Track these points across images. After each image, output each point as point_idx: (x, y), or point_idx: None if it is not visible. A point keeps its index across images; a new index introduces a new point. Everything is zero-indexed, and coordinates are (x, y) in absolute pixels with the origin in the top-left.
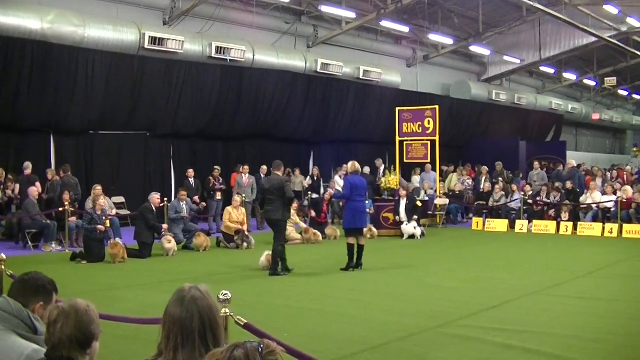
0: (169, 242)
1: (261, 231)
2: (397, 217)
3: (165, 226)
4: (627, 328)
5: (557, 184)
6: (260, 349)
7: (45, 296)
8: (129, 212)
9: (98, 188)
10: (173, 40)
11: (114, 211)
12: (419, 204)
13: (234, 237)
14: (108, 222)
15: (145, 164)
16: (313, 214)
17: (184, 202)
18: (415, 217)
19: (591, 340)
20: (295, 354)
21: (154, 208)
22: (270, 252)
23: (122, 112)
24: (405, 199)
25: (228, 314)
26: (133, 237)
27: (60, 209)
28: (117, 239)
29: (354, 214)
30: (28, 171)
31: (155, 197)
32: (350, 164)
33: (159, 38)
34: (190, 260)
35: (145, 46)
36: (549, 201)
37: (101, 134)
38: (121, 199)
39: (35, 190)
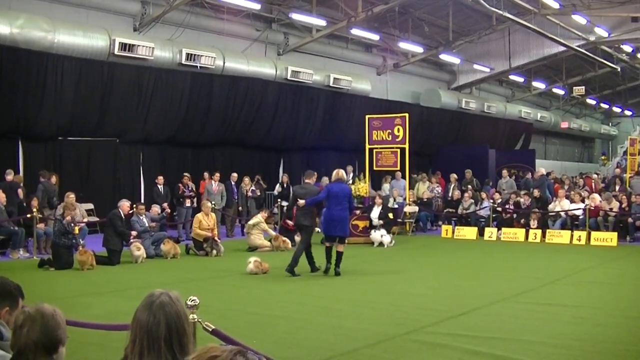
0: (138, 250)
1: (230, 238)
2: (373, 222)
3: (133, 233)
4: (593, 334)
5: (522, 193)
6: None
7: (11, 301)
8: (97, 219)
9: (71, 196)
10: (143, 46)
11: (85, 219)
12: (391, 216)
13: (203, 244)
14: (77, 229)
15: (115, 171)
16: (290, 223)
17: (143, 215)
18: (381, 221)
19: (558, 347)
20: None
21: (122, 215)
22: (258, 259)
23: (92, 118)
24: (380, 206)
25: (196, 319)
26: (102, 244)
27: (29, 215)
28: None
29: (328, 222)
30: (10, 177)
31: (124, 205)
32: (334, 172)
33: (129, 44)
34: (159, 268)
35: (115, 52)
36: (521, 206)
37: (70, 140)
38: (90, 206)
39: (2, 196)
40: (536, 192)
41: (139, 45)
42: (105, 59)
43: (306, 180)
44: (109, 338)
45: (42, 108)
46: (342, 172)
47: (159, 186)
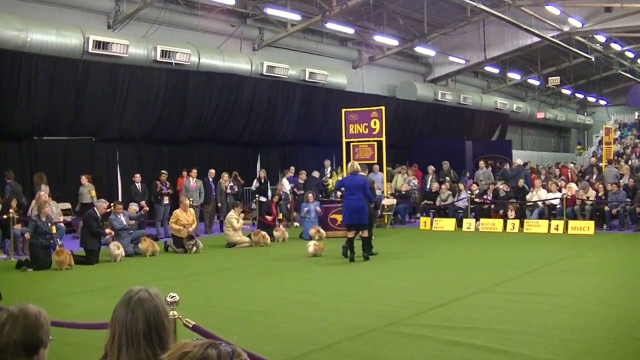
0: (118, 249)
1: (209, 235)
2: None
3: (108, 230)
4: (572, 323)
5: (499, 184)
6: (232, 355)
7: None
8: (75, 218)
9: (42, 193)
10: (117, 44)
11: (62, 217)
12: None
13: (184, 241)
14: (54, 228)
15: (92, 170)
16: (269, 218)
17: (121, 214)
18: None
19: (538, 335)
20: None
21: (98, 215)
22: (316, 242)
23: (67, 117)
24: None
25: (176, 316)
26: (79, 244)
27: (5, 217)
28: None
29: (345, 212)
30: None
31: (101, 205)
32: (349, 164)
33: (103, 42)
34: (138, 266)
35: (90, 50)
36: (500, 195)
37: (45, 140)
38: (67, 205)
39: None
40: (521, 182)
41: (113, 43)
42: (80, 57)
43: (351, 173)
44: (89, 337)
45: (17, 107)
46: (356, 164)
47: (136, 184)
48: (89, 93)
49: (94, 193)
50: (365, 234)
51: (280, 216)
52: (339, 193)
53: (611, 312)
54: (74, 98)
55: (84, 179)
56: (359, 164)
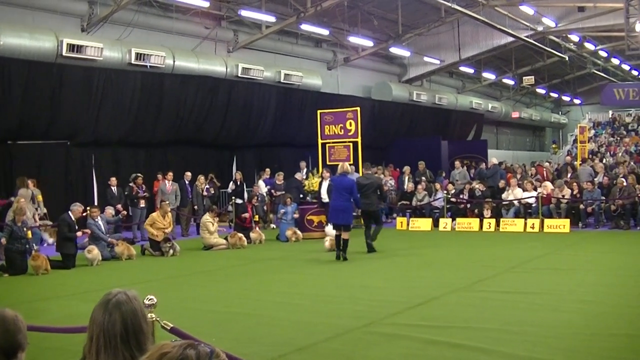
0: (89, 253)
1: (186, 238)
2: (322, 199)
3: (81, 232)
4: (549, 320)
5: (475, 183)
6: (210, 355)
7: None
8: (51, 223)
9: (22, 201)
10: (92, 47)
11: (38, 223)
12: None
13: (161, 244)
14: (30, 233)
15: (67, 174)
16: (246, 216)
17: (98, 218)
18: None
19: (515, 333)
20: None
21: (72, 219)
22: (332, 238)
23: (41, 121)
24: (328, 180)
25: (154, 318)
26: (55, 249)
27: None
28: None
29: (332, 212)
30: None
31: (76, 209)
32: (340, 165)
33: (77, 45)
34: (115, 269)
35: (63, 53)
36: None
37: (20, 144)
38: (43, 210)
39: None
40: (502, 183)
41: (87, 46)
42: (54, 60)
43: (366, 172)
44: (67, 342)
45: None
46: (347, 165)
47: (112, 188)
48: (63, 97)
49: (40, 198)
50: (347, 235)
51: (257, 218)
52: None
53: (587, 308)
54: (49, 102)
55: (29, 183)
56: (337, 164)
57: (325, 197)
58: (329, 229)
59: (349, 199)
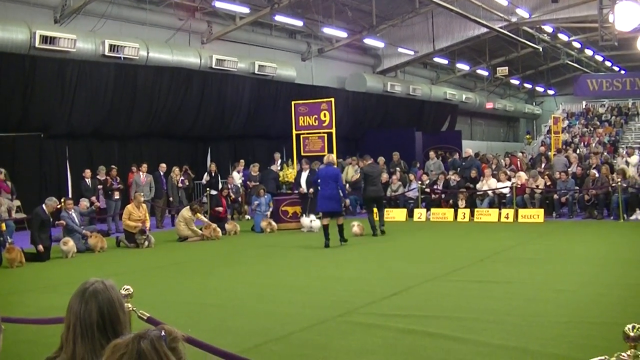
0: (65, 245)
1: (160, 229)
2: (301, 189)
3: (58, 224)
4: (523, 309)
5: (451, 174)
6: (163, 337)
7: None
8: (25, 216)
9: None
10: (65, 38)
11: (12, 215)
12: None
13: (136, 236)
14: (3, 225)
15: (41, 166)
16: (220, 210)
17: (72, 210)
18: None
19: (490, 322)
20: (204, 346)
21: (46, 214)
22: (360, 223)
23: (14, 113)
24: (307, 171)
25: (130, 308)
26: (29, 242)
27: None
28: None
29: (321, 200)
30: None
31: (51, 204)
32: (326, 156)
33: (50, 37)
34: (90, 262)
35: (36, 45)
36: (451, 184)
37: None
38: (17, 202)
39: None
40: (473, 173)
41: (60, 38)
42: (26, 52)
43: (369, 162)
44: (42, 334)
45: None
46: (332, 156)
47: (86, 180)
48: (36, 88)
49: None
50: (341, 221)
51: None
52: (302, 189)
53: (561, 297)
54: (22, 94)
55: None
56: (313, 155)
57: (304, 188)
58: (305, 220)
59: (335, 188)
